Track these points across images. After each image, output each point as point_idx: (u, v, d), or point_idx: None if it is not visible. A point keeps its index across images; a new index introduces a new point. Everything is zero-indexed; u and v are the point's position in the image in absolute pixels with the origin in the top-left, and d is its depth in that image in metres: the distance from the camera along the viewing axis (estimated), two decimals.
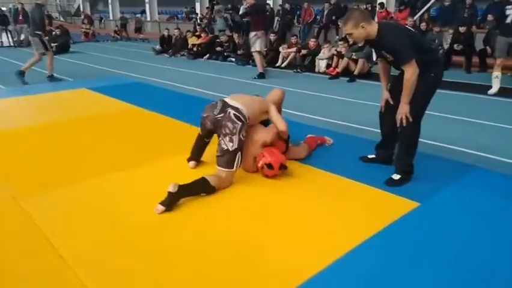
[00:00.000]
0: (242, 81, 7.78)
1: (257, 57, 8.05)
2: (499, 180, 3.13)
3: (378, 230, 2.43)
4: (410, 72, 2.81)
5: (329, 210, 2.71)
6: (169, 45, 12.37)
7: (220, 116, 3.03)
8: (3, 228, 2.53)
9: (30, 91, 6.76)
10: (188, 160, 3.39)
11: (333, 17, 12.26)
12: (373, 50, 8.22)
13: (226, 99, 3.15)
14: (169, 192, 2.65)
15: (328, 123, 4.85)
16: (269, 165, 3.06)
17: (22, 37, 14.86)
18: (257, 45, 7.83)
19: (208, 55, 11.10)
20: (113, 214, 2.69)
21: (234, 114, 2.99)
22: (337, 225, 2.53)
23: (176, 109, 5.31)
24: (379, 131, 3.41)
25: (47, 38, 7.68)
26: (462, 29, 8.34)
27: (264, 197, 2.91)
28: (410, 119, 2.91)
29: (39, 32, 7.46)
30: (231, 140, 2.95)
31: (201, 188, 2.83)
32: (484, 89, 6.42)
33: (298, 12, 14.74)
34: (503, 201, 2.79)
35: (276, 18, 13.79)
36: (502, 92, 6.17)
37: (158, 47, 12.50)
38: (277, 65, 9.47)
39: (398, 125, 2.97)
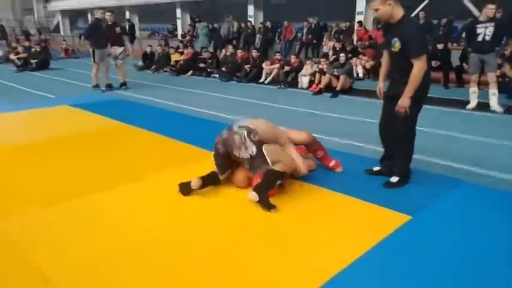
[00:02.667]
0: (226, 98, 7.80)
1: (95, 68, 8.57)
2: (484, 193, 3.20)
3: (373, 245, 2.44)
4: (420, 66, 2.91)
5: (321, 226, 2.72)
6: (152, 62, 12.34)
7: (225, 134, 3.12)
8: None
9: (9, 108, 6.60)
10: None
11: (311, 36, 12.53)
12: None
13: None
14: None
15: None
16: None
17: (0, 53, 14.61)
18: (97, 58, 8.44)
19: (191, 71, 11.11)
20: (100, 233, 2.63)
21: (237, 126, 3.10)
22: (330, 241, 2.53)
23: (161, 125, 5.28)
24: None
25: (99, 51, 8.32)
26: (440, 46, 8.62)
27: (254, 213, 2.88)
28: (409, 113, 3.01)
29: (95, 45, 8.18)
30: (246, 149, 3.03)
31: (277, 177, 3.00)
32: (462, 103, 6.61)
33: (279, 30, 14.99)
34: (490, 214, 2.85)
35: (258, 36, 13.99)
36: (481, 106, 6.36)
37: (140, 63, 12.46)
38: (260, 81, 9.55)
39: (397, 115, 3.05)
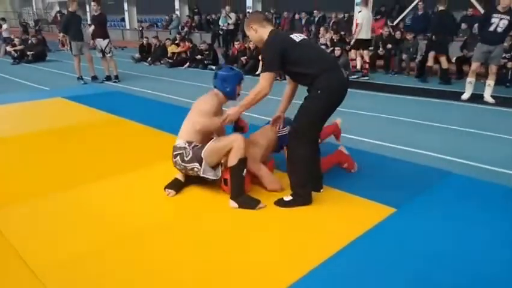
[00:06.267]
0: None
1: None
2: (474, 186, 3.18)
3: (355, 237, 2.44)
4: (260, 83, 2.72)
5: (306, 217, 2.72)
6: (149, 53, 12.29)
7: None
8: None
9: (3, 100, 6.58)
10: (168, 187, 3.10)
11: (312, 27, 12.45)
12: None
13: None
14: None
15: None
16: (225, 180, 2.99)
17: None
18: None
19: (188, 63, 11.07)
20: (88, 226, 2.64)
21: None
22: (315, 232, 2.53)
23: (156, 118, 5.27)
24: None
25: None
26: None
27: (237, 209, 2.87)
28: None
29: (70, 38, 8.24)
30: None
31: (239, 168, 2.82)
32: (457, 95, 6.57)
33: (277, 21, 14.89)
34: (479, 207, 2.84)
35: None
36: (474, 98, 6.32)
37: (137, 55, 12.40)
38: (257, 72, 9.50)
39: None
